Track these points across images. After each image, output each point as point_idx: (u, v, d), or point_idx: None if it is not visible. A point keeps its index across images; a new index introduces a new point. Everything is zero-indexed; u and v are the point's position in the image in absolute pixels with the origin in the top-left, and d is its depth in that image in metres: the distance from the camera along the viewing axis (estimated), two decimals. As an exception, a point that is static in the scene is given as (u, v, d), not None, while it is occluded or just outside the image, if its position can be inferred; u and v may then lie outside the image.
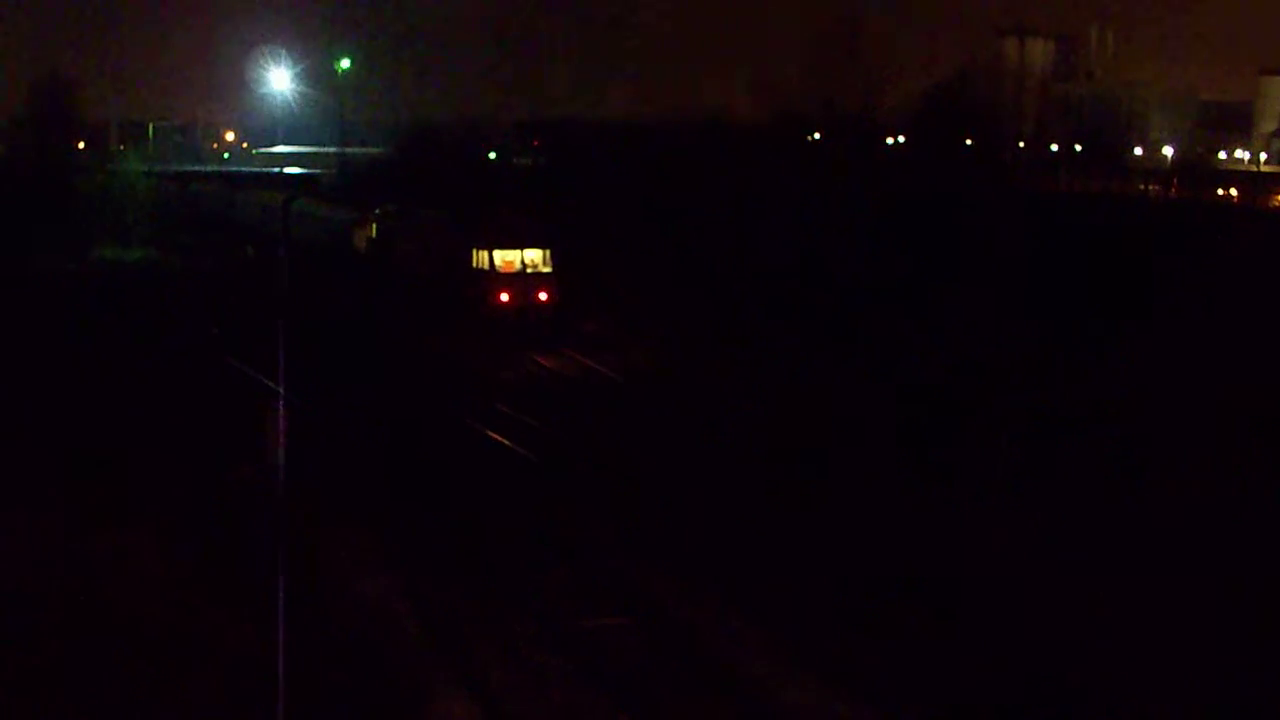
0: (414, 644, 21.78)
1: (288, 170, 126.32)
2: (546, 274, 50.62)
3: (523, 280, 50.08)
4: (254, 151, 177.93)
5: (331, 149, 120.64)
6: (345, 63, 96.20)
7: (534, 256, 50.71)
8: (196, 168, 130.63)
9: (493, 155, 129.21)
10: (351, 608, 23.28)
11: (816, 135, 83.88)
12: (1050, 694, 20.46)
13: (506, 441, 34.82)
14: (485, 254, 50.31)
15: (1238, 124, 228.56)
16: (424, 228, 57.44)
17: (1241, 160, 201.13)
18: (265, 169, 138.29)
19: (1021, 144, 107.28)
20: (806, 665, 21.18)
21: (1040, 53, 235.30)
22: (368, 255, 61.50)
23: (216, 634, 21.40)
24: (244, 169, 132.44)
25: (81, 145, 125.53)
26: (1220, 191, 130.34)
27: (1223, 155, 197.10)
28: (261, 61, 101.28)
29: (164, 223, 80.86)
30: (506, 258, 50.32)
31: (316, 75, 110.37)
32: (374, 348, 47.32)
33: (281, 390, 16.99)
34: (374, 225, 61.01)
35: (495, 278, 49.93)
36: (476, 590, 24.12)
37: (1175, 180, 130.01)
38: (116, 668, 20.19)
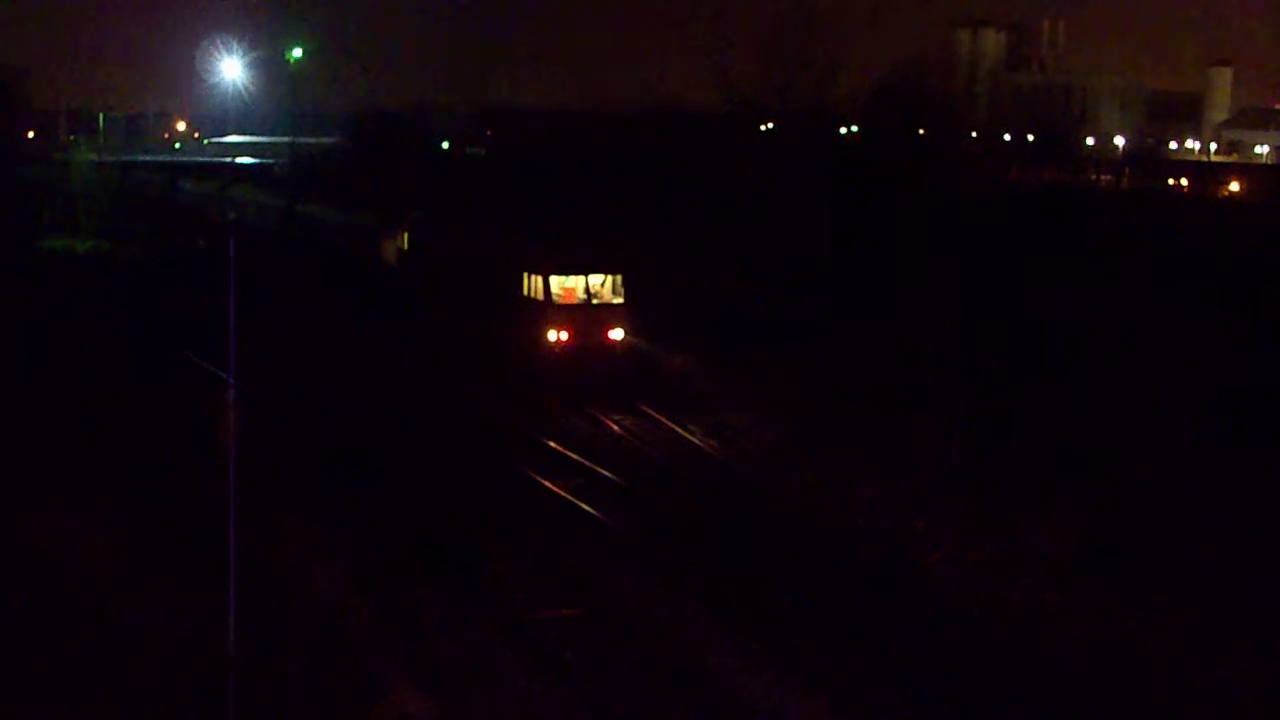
0: (369, 635, 21.70)
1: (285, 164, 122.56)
2: (617, 306, 40.12)
3: (586, 314, 39.64)
4: (206, 141, 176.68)
5: (284, 139, 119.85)
6: (297, 52, 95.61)
7: (601, 283, 40.28)
8: (148, 158, 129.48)
9: (445, 145, 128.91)
10: (306, 598, 23.15)
11: (771, 125, 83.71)
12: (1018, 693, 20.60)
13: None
14: (539, 280, 39.87)
15: (1188, 114, 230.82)
16: (465, 240, 48.12)
17: (1192, 150, 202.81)
18: (219, 158, 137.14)
19: (974, 134, 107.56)
20: (768, 660, 21.25)
21: (992, 43, 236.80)
22: (399, 269, 53.24)
23: (165, 624, 21.20)
24: (231, 161, 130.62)
25: (31, 135, 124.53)
26: (1171, 182, 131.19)
27: (1173, 145, 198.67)
28: (212, 50, 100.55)
29: (150, 223, 79.31)
30: (566, 285, 39.91)
31: (268, 64, 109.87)
32: (386, 376, 41.46)
33: (233, 381, 16.84)
34: (405, 235, 52.50)
35: (551, 310, 39.43)
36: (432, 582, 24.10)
37: (1127, 171, 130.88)
38: (60, 657, 19.99)
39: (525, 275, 40.39)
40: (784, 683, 20.54)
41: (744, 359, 41.48)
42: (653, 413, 37.32)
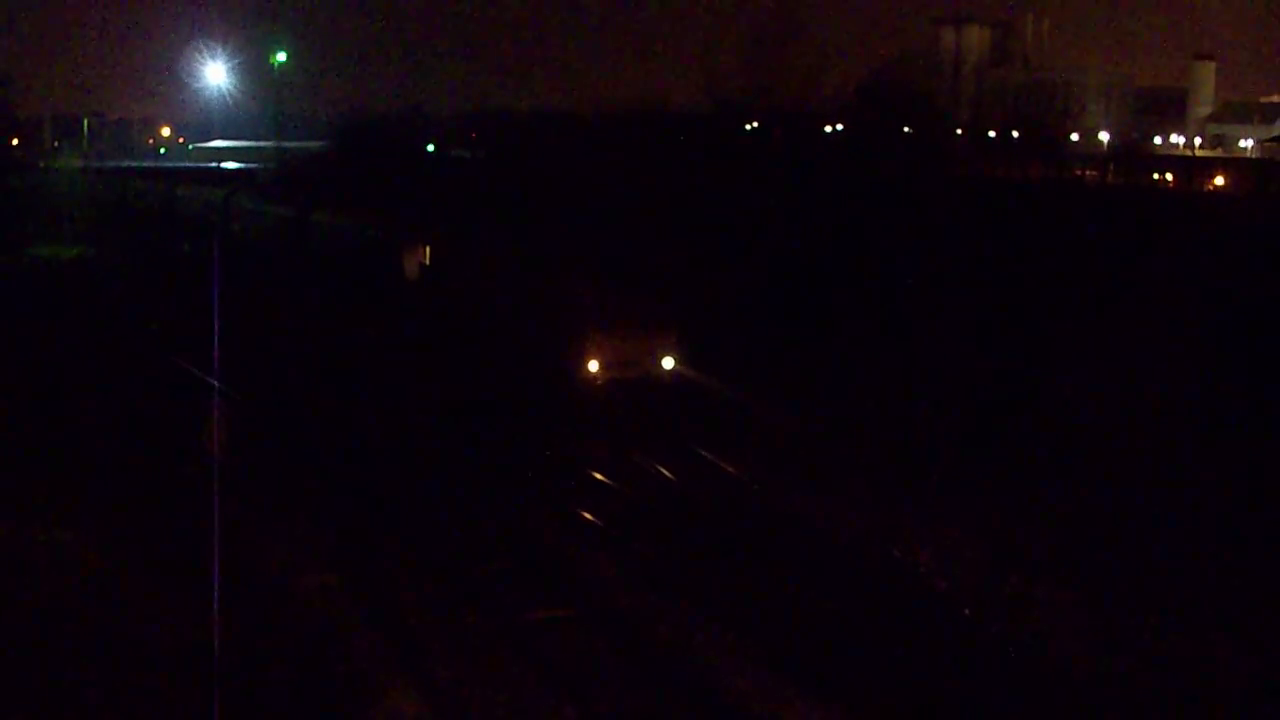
0: (361, 639, 21.63)
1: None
2: (667, 331, 35.93)
3: (631, 338, 35.40)
4: (190, 147, 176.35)
5: (269, 144, 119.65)
6: (281, 56, 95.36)
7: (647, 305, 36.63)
8: (134, 164, 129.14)
9: (431, 147, 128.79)
10: (297, 602, 23.07)
11: (756, 124, 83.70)
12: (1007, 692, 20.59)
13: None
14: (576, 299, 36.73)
15: (1172, 109, 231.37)
16: (493, 256, 44.46)
17: (1176, 145, 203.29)
18: (204, 164, 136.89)
19: (959, 131, 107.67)
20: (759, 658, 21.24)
21: (976, 40, 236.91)
22: (421, 284, 49.59)
23: (153, 630, 21.11)
24: (217, 166, 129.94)
25: (15, 142, 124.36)
26: (1156, 176, 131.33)
27: (1158, 140, 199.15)
28: (196, 55, 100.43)
29: (148, 232, 78.83)
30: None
31: (252, 69, 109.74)
32: (400, 393, 38.69)
33: (218, 385, 16.81)
34: (429, 249, 49.10)
35: (592, 336, 35.23)
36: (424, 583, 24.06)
37: (1112, 166, 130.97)
38: (49, 664, 19.92)
39: (561, 295, 37.13)
40: (775, 681, 20.41)
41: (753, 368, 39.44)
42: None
